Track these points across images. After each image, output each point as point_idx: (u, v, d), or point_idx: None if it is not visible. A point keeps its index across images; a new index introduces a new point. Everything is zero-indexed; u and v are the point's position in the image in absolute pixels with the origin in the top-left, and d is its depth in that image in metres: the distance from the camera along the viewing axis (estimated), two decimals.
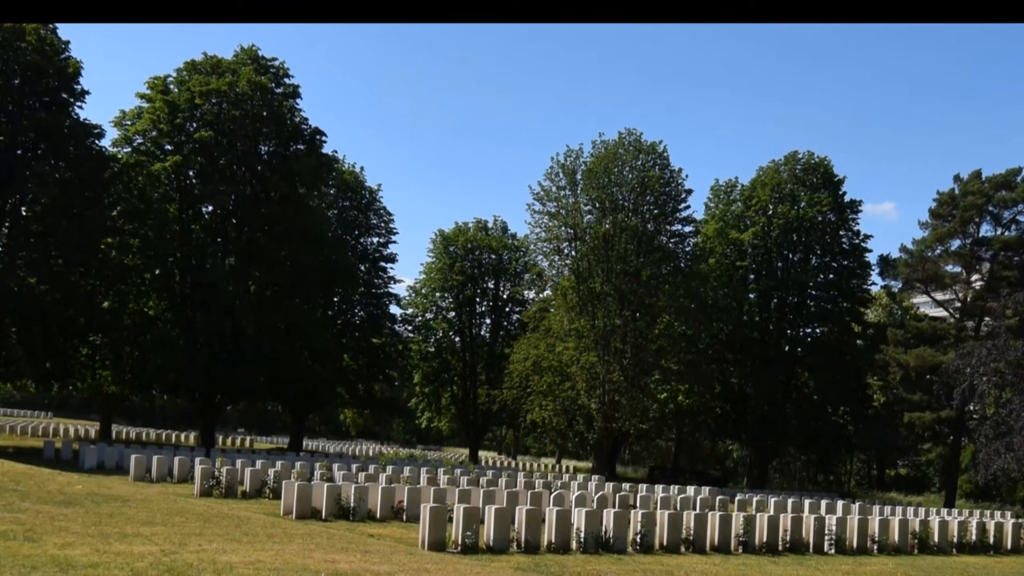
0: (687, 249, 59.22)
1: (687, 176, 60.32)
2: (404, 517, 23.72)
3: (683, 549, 21.96)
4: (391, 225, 69.81)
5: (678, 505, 30.30)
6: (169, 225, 51.56)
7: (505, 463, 71.82)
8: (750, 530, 23.11)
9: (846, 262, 64.45)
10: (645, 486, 39.90)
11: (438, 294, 73.96)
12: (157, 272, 52.02)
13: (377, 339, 67.37)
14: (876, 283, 67.65)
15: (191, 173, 52.32)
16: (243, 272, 51.92)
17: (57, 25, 46.85)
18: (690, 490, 38.11)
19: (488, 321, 75.84)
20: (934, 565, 23.81)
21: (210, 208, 54.06)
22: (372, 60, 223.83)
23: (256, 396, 59.29)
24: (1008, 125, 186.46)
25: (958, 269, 60.51)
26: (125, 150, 51.61)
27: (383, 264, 69.23)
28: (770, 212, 63.09)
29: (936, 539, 27.04)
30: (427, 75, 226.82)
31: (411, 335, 73.98)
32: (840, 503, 36.00)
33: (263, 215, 52.41)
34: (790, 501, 32.63)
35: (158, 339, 49.00)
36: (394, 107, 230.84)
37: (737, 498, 34.61)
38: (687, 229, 58.89)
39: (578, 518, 20.76)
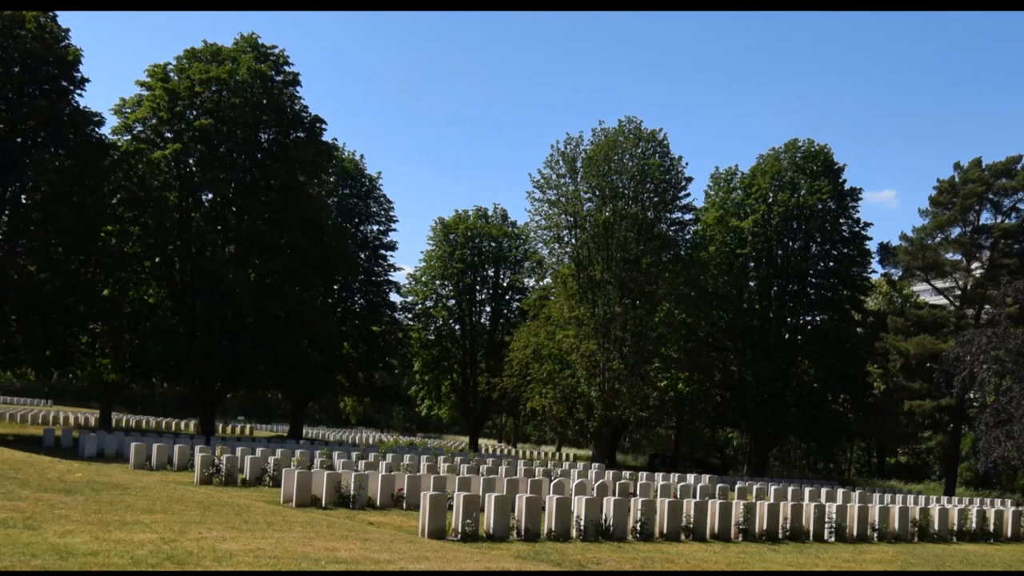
0: (687, 237, 59.18)
1: (687, 164, 60.33)
2: (404, 505, 23.73)
3: (683, 537, 21.97)
4: (391, 213, 69.84)
5: (678, 493, 30.31)
6: (169, 213, 51.50)
7: (505, 451, 71.89)
8: (750, 518, 23.11)
9: (846, 250, 64.39)
10: (645, 474, 39.97)
11: (438, 282, 73.95)
12: (157, 260, 52.06)
13: (377, 327, 67.36)
14: (876, 271, 67.79)
15: (191, 161, 52.23)
16: (243, 260, 51.86)
17: (57, 12, 46.77)
18: (690, 478, 38.15)
19: (488, 309, 75.86)
20: (934, 553, 23.82)
21: (210, 196, 53.96)
22: (372, 48, 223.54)
23: (256, 384, 59.27)
24: (1008, 113, 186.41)
25: (958, 257, 60.49)
26: (125, 138, 51.52)
27: (383, 252, 69.22)
28: (770, 200, 62.98)
29: (936, 527, 27.05)
30: (427, 63, 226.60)
31: (411, 323, 74.04)
32: (840, 491, 36.01)
33: (263, 203, 52.37)
34: (790, 489, 32.65)
35: (158, 327, 49.05)
36: (394, 95, 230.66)
37: (737, 486, 34.60)
38: (687, 217, 58.90)
39: (578, 506, 20.77)
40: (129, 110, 51.53)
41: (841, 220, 64.20)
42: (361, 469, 29.01)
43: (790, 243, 63.74)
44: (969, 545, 26.52)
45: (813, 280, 64.53)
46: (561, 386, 56.37)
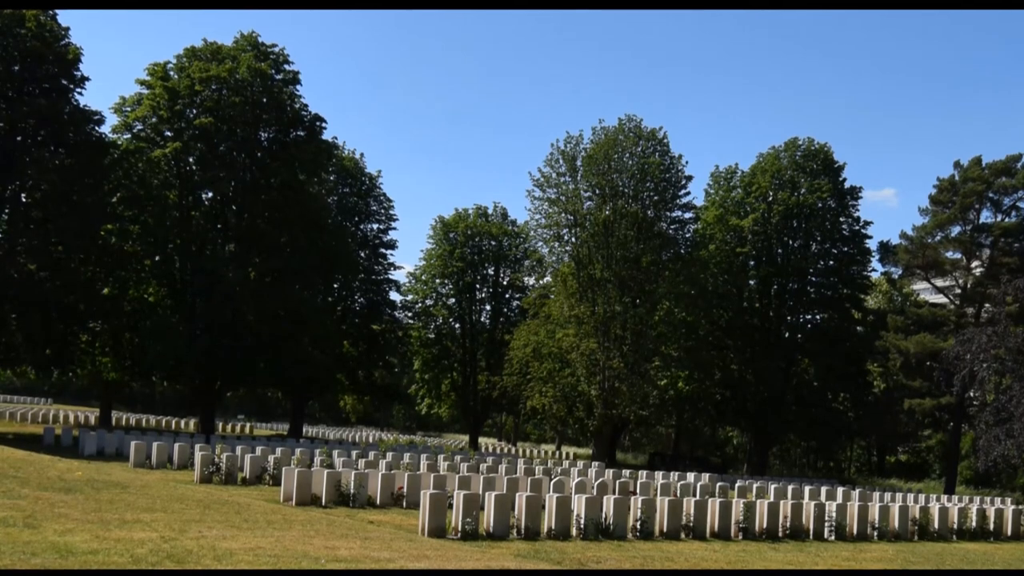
0: (687, 235, 59.21)
1: (687, 162, 60.29)
2: (404, 504, 23.71)
3: (683, 535, 21.95)
4: (391, 211, 69.90)
5: (678, 491, 30.30)
6: (169, 211, 51.50)
7: (505, 449, 71.91)
8: (750, 516, 23.10)
9: (846, 248, 64.39)
10: (645, 472, 39.94)
11: (438, 280, 74.00)
12: (157, 258, 52.10)
13: (377, 325, 67.41)
14: (876, 269, 67.80)
15: (191, 159, 52.23)
16: (243, 258, 51.87)
17: (57, 11, 46.74)
18: (690, 476, 38.15)
19: (488, 307, 75.88)
20: (934, 551, 23.82)
21: (210, 194, 54.02)
22: (372, 47, 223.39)
23: (256, 382, 59.28)
24: (1008, 111, 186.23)
25: (958, 255, 60.52)
26: (125, 136, 51.55)
27: (383, 250, 69.31)
28: (770, 198, 62.98)
29: (936, 525, 27.05)
30: (427, 61, 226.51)
31: (411, 321, 74.08)
32: (840, 489, 36.01)
33: (263, 201, 52.35)
34: (790, 487, 32.64)
35: (158, 325, 49.04)
36: (394, 93, 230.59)
37: (737, 484, 34.62)
38: (687, 215, 58.94)
39: (578, 504, 20.75)
40: (129, 109, 51.54)
41: (841, 219, 64.21)
42: (361, 468, 28.99)
43: (790, 242, 63.73)
44: (969, 544, 26.52)
45: (813, 279, 64.54)
46: (561, 385, 56.38)
